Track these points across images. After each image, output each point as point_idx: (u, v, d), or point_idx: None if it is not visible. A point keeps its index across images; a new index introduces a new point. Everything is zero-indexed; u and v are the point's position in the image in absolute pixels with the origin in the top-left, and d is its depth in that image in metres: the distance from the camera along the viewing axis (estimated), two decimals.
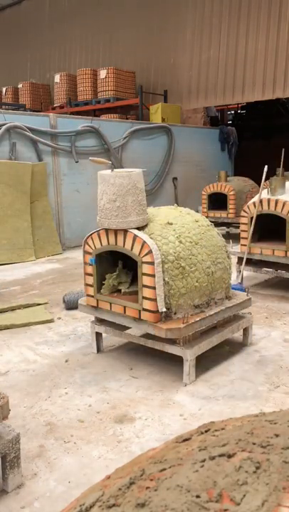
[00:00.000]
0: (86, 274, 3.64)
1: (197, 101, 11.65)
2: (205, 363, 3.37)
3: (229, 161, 12.22)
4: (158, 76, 12.33)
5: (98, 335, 3.71)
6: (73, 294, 4.82)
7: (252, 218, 5.26)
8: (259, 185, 5.41)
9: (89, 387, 3.11)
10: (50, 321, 4.48)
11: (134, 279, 3.51)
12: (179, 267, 3.19)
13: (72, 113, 11.62)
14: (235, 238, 4.71)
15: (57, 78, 13.20)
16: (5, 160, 7.31)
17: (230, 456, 0.66)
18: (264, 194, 5.30)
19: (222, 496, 0.58)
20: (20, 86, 14.16)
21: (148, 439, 2.52)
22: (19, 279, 6.19)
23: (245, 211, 5.38)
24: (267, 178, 5.41)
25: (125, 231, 3.26)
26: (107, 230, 3.39)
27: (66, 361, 3.58)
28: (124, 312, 3.36)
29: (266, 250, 5.23)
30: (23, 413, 2.82)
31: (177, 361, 3.10)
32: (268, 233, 5.48)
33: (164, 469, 0.67)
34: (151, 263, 3.10)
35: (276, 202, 5.11)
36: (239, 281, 5.17)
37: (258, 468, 0.62)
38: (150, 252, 3.11)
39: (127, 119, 11.18)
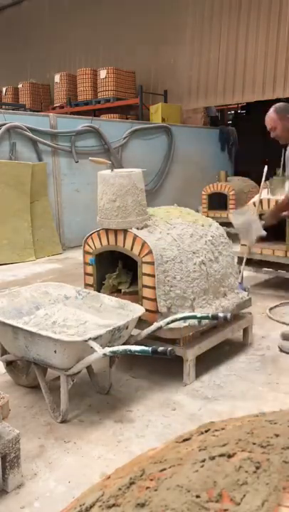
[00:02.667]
0: (86, 274, 3.64)
1: (197, 101, 11.64)
2: (205, 362, 3.37)
3: (229, 161, 12.21)
4: (158, 76, 12.32)
5: None
6: None
7: None
8: (259, 185, 5.41)
9: (88, 386, 3.11)
10: None
11: (134, 279, 3.51)
12: (179, 267, 3.19)
13: (72, 113, 11.61)
14: (236, 238, 4.70)
15: (57, 78, 13.20)
16: (5, 160, 7.31)
17: (230, 456, 0.66)
18: (264, 194, 5.30)
19: (222, 496, 0.58)
20: (20, 86, 14.16)
21: (148, 439, 2.52)
22: (19, 279, 6.19)
23: None
24: (267, 178, 5.40)
25: (125, 231, 3.26)
26: (107, 230, 3.39)
27: None
28: None
29: (266, 250, 5.23)
30: (23, 413, 2.82)
31: (177, 361, 3.10)
32: (268, 233, 5.47)
33: (164, 469, 0.67)
34: (151, 263, 3.10)
35: (276, 202, 5.10)
36: (239, 281, 5.16)
37: (258, 468, 0.62)
38: (150, 252, 3.11)
39: (127, 119, 11.18)
